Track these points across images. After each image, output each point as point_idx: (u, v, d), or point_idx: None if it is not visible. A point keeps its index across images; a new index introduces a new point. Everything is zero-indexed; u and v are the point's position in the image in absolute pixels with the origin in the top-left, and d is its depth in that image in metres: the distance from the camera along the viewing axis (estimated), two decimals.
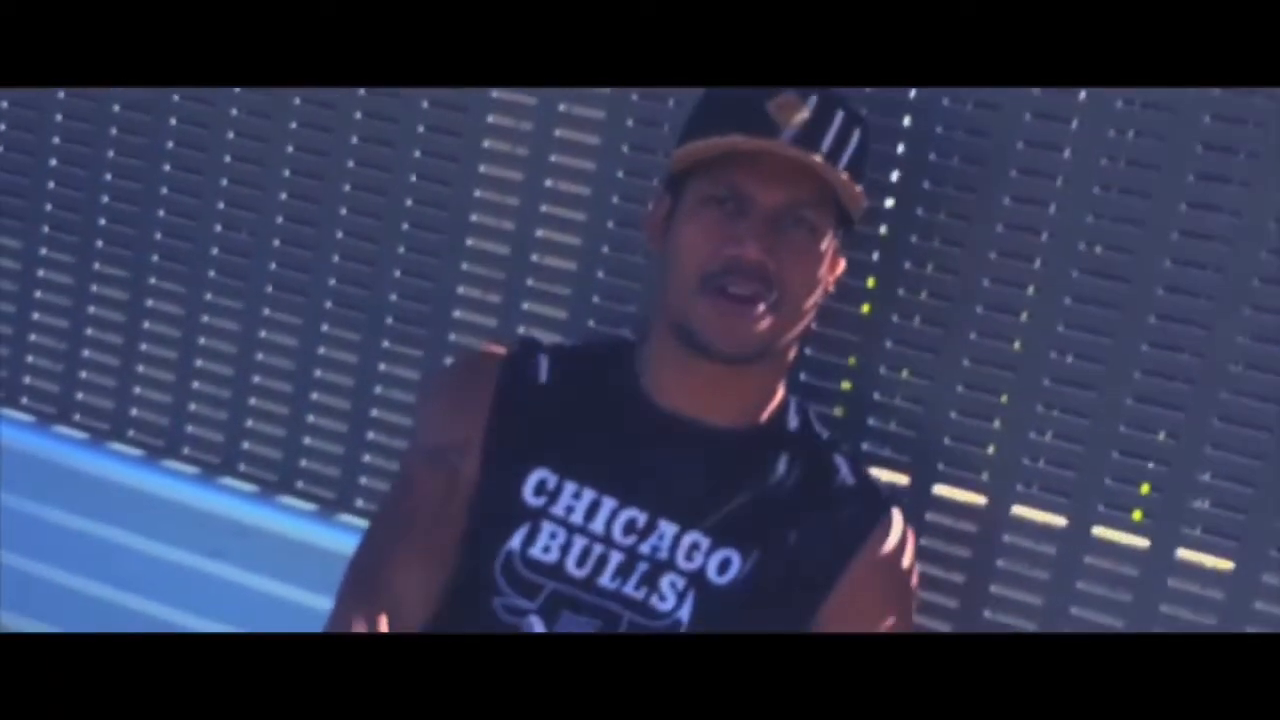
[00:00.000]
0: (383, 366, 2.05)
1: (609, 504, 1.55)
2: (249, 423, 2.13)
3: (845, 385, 1.82)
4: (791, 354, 1.62)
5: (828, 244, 1.54)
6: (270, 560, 2.07)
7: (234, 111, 2.09)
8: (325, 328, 2.08)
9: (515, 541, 1.55)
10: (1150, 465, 1.69)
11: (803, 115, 1.49)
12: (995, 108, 1.72)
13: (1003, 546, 1.75)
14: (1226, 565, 1.65)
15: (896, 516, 1.60)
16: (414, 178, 2.01)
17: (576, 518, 1.55)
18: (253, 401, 2.13)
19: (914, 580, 1.62)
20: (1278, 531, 1.64)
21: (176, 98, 2.11)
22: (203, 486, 2.13)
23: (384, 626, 1.41)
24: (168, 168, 2.14)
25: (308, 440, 2.10)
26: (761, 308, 1.50)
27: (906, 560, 1.59)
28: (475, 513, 1.58)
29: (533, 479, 1.57)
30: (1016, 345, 1.73)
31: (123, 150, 2.16)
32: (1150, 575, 1.69)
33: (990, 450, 1.76)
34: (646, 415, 1.59)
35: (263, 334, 2.12)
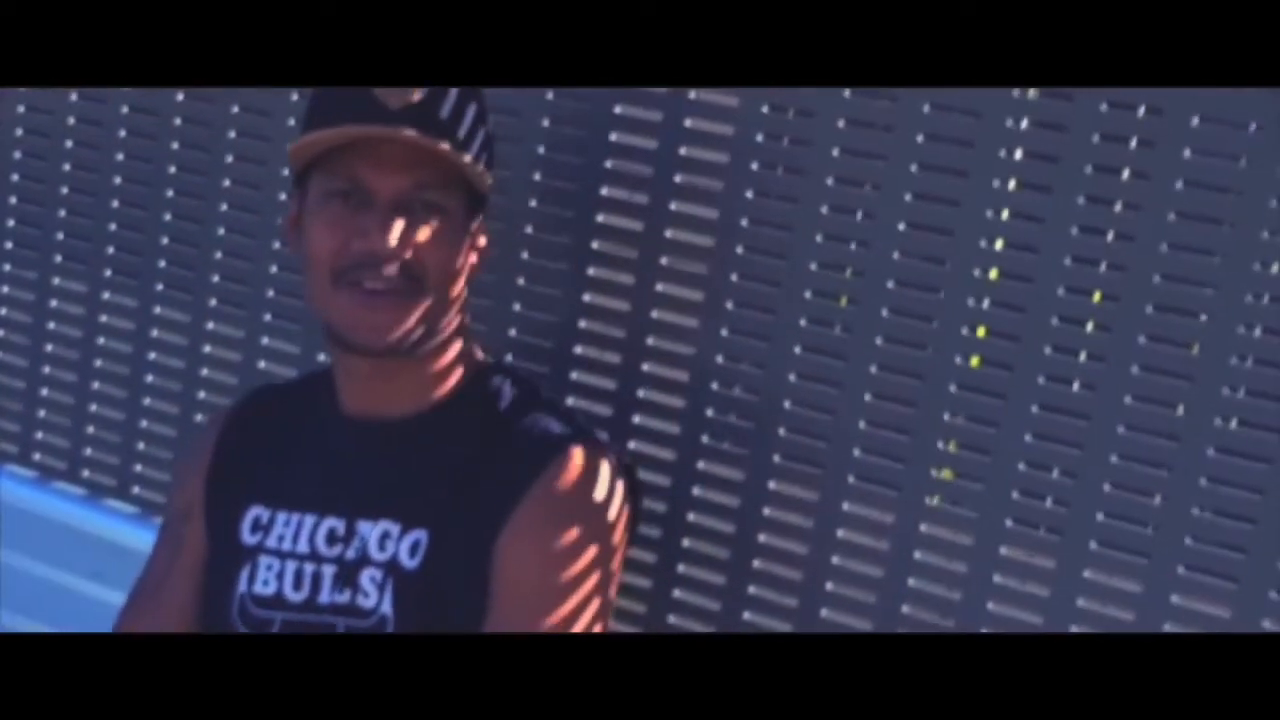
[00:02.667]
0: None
1: (310, 521, 1.55)
2: (140, 445, 2.14)
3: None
4: (453, 337, 1.57)
5: (461, 225, 1.51)
6: None
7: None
8: (208, 349, 2.08)
9: (242, 583, 1.55)
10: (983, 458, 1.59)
11: (413, 94, 1.44)
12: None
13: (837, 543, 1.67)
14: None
15: (572, 456, 1.51)
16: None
17: (286, 544, 1.55)
18: (144, 424, 2.13)
19: (598, 517, 1.52)
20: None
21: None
22: (87, 507, 2.14)
23: None
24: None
25: None
26: (401, 299, 1.47)
27: (584, 495, 1.51)
28: (209, 567, 1.61)
29: (248, 518, 1.58)
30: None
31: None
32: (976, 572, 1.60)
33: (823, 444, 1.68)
34: (336, 425, 1.59)
35: (151, 356, 2.12)
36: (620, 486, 1.56)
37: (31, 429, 2.21)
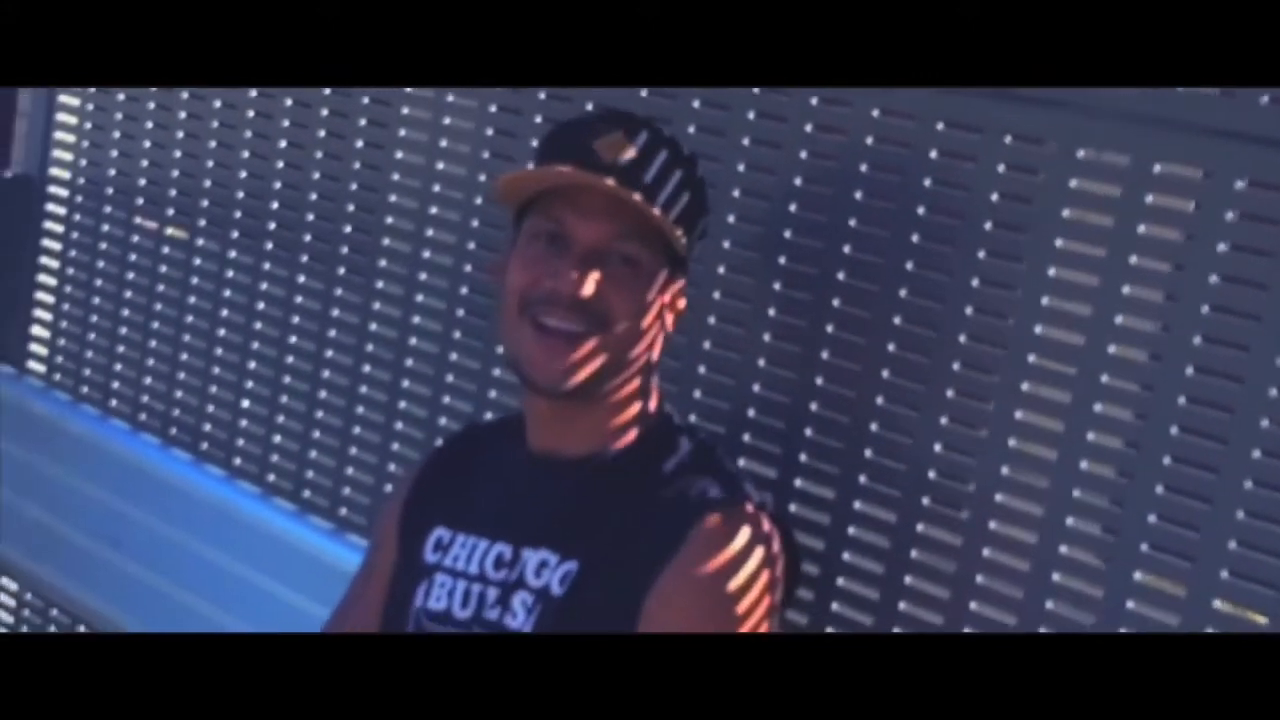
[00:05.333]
0: None
1: (482, 545, 1.65)
2: (387, 487, 2.29)
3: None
4: (633, 387, 1.64)
5: (654, 280, 1.59)
6: None
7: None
8: (447, 400, 2.23)
9: (419, 599, 1.67)
10: None
11: (628, 153, 1.56)
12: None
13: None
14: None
15: (719, 522, 1.56)
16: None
17: (461, 564, 1.66)
18: (390, 468, 2.30)
19: (742, 584, 1.55)
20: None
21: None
22: (338, 541, 2.32)
23: None
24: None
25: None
26: (580, 342, 1.56)
27: (727, 562, 1.54)
28: (394, 582, 1.74)
29: (432, 538, 1.70)
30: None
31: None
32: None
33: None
34: (521, 459, 1.69)
35: (402, 405, 2.29)
36: (769, 553, 1.58)
37: (303, 468, 2.42)
